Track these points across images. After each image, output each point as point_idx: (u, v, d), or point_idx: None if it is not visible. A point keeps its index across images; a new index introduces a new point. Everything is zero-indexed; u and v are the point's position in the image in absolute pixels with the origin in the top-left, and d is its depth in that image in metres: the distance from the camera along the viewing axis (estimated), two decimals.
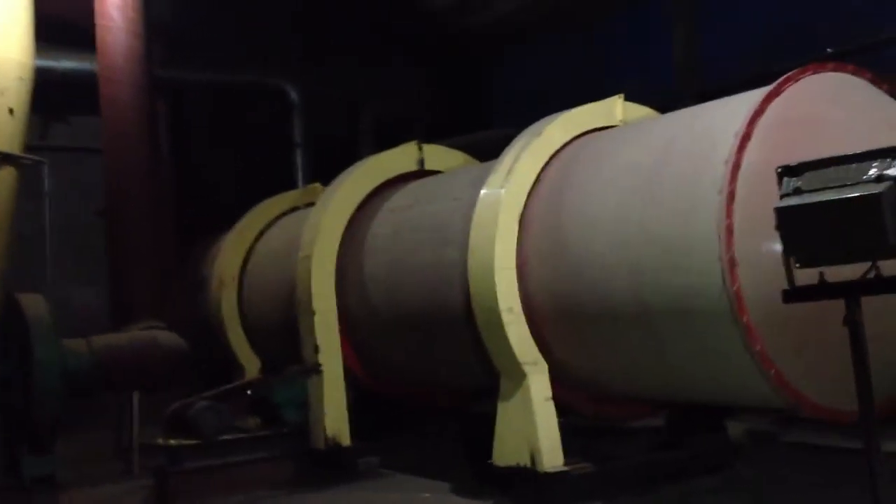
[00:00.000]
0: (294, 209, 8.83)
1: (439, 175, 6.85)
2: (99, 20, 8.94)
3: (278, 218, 8.81)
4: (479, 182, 5.57)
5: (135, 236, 8.79)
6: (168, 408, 6.67)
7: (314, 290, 6.69)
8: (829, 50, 7.95)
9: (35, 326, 7.15)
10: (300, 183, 12.48)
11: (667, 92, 9.88)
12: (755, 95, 4.23)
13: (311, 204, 8.73)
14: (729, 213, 3.83)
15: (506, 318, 4.97)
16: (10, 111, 9.27)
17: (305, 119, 12.64)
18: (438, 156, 7.25)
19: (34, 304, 7.35)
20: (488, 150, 7.35)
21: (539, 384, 4.87)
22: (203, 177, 12.45)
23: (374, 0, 12.67)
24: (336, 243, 6.81)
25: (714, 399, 4.54)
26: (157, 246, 8.95)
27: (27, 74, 9.52)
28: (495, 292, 5.00)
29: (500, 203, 5.18)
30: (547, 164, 5.30)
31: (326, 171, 10.08)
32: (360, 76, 12.82)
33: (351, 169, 7.19)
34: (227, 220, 10.23)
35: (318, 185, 8.89)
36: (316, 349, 6.64)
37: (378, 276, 6.38)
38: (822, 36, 8.85)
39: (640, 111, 5.61)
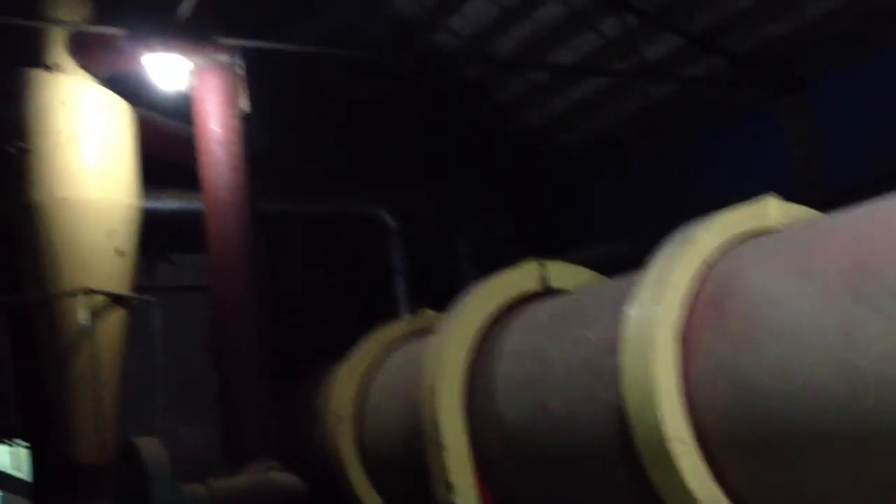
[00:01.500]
0: (407, 337, 8.46)
1: (570, 295, 6.40)
2: (202, 157, 8.93)
3: (392, 346, 8.44)
4: (621, 299, 5.11)
5: (245, 372, 8.51)
6: None
7: (442, 422, 6.25)
8: None
9: (153, 471, 6.88)
10: (401, 310, 12.20)
11: (785, 196, 9.42)
12: None
13: (425, 331, 8.38)
14: None
15: (676, 449, 4.41)
16: (120, 252, 9.29)
17: (403, 244, 12.46)
18: (562, 273, 6.82)
19: (150, 448, 7.09)
20: (596, 267, 6.97)
21: None
22: (301, 306, 12.26)
23: (465, 122, 12.59)
24: (462, 372, 6.38)
25: None
26: (267, 381, 8.66)
27: (134, 216, 9.56)
28: (659, 421, 4.47)
29: (653, 319, 4.70)
30: (701, 272, 4.82)
31: (428, 296, 9.77)
32: (455, 199, 12.64)
33: (470, 291, 6.80)
34: (330, 350, 9.94)
35: (428, 311, 8.54)
36: (448, 487, 6.16)
37: (513, 407, 5.89)
38: None
39: (796, 211, 5.13)
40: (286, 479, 7.90)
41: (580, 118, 11.91)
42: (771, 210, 5.02)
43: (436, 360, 6.43)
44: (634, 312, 4.86)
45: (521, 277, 6.71)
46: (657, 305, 4.71)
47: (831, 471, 3.93)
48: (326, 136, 11.89)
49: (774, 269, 4.36)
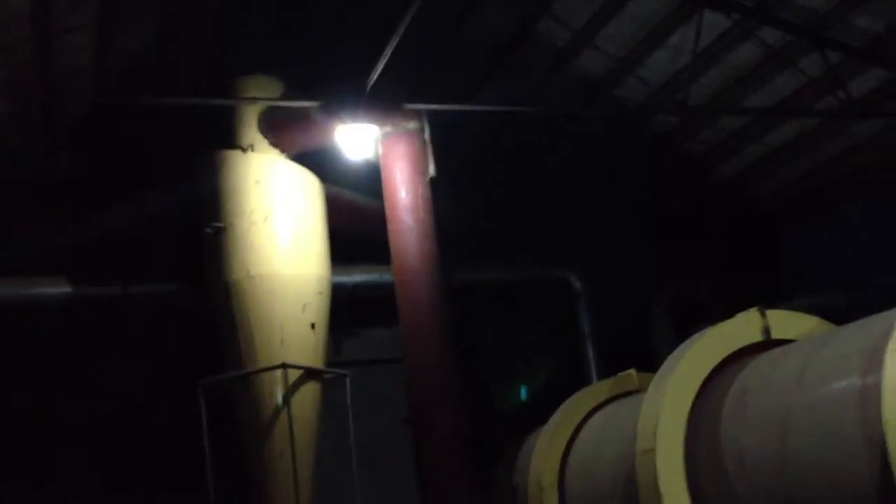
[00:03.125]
0: (609, 401, 7.95)
1: (798, 344, 5.77)
2: (391, 225, 8.85)
3: (593, 412, 7.95)
4: (872, 347, 4.52)
5: (443, 443, 8.21)
6: None
7: (662, 489, 5.72)
8: None
9: None
10: (593, 376, 11.70)
11: None
12: None
13: (628, 394, 7.90)
14: None
15: None
16: (312, 326, 9.26)
17: (592, 309, 12.02)
18: (786, 322, 6.20)
19: None
20: None
21: None
22: (489, 374, 11.95)
23: (654, 177, 12.08)
24: (682, 433, 5.84)
25: None
26: (463, 451, 8.32)
27: (325, 289, 9.54)
28: None
29: None
30: None
31: (618, 361, 9.23)
32: (646, 256, 12.08)
33: (685, 345, 6.30)
34: (525, 420, 9.55)
35: (632, 372, 8.03)
36: None
37: (747, 471, 5.29)
38: None
39: None
40: None
41: (779, 165, 11.20)
42: None
43: (651, 422, 5.93)
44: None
45: (740, 328, 6.15)
46: None
47: None
48: (513, 199, 11.66)
49: None
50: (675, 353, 6.29)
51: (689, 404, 5.88)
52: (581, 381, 10.96)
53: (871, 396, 4.36)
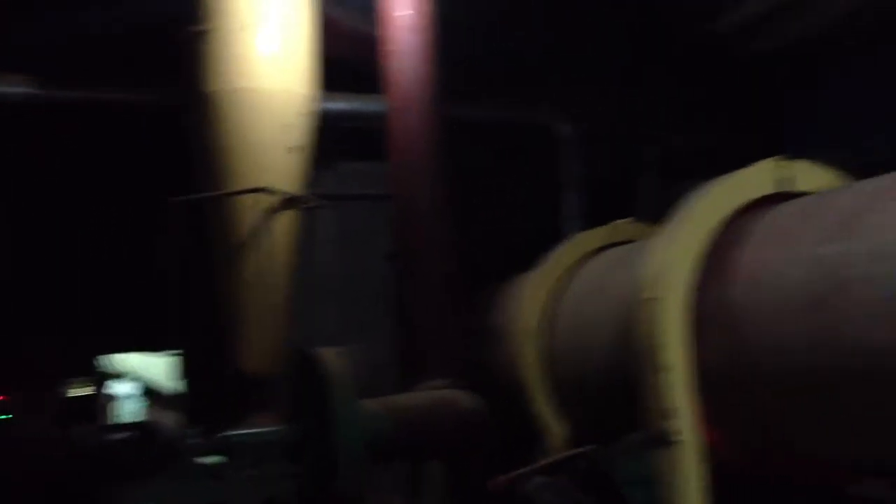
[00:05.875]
0: (602, 249, 7.66)
1: (819, 195, 5.46)
2: (388, 45, 8.24)
3: (585, 259, 7.67)
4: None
5: (426, 282, 7.94)
6: (491, 481, 5.64)
7: (663, 339, 5.49)
8: None
9: (336, 386, 6.39)
10: (574, 228, 11.43)
11: None
12: None
13: (623, 242, 7.62)
14: None
15: None
16: (294, 149, 8.75)
17: (575, 157, 11.60)
18: (804, 174, 5.89)
19: (331, 359, 6.59)
20: None
21: None
22: (466, 219, 11.57)
23: (650, 26, 11.41)
24: (689, 282, 5.57)
25: None
26: (449, 294, 8.06)
27: (311, 108, 8.98)
28: None
29: None
30: None
31: (601, 213, 8.92)
32: (639, 109, 11.56)
33: (697, 194, 5.95)
34: (500, 265, 9.30)
35: (629, 220, 7.72)
36: (667, 414, 5.42)
37: (762, 326, 5.04)
38: None
39: None
40: (465, 397, 7.34)
41: (786, 20, 10.56)
42: None
43: (657, 269, 5.63)
44: None
45: (755, 178, 5.82)
46: None
47: None
48: (495, 42, 10.93)
49: None
50: (687, 200, 5.94)
51: (699, 252, 5.59)
52: (562, 233, 10.69)
53: None
